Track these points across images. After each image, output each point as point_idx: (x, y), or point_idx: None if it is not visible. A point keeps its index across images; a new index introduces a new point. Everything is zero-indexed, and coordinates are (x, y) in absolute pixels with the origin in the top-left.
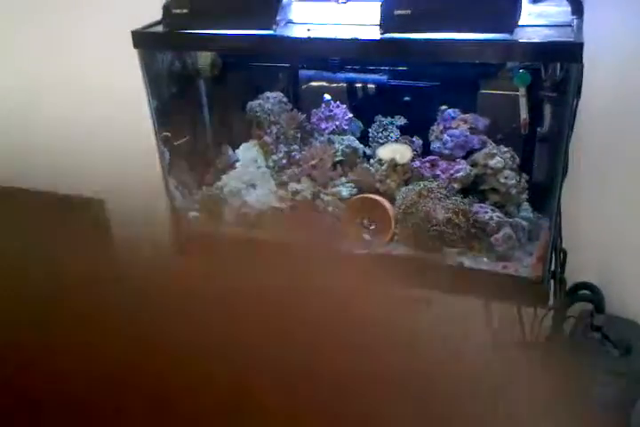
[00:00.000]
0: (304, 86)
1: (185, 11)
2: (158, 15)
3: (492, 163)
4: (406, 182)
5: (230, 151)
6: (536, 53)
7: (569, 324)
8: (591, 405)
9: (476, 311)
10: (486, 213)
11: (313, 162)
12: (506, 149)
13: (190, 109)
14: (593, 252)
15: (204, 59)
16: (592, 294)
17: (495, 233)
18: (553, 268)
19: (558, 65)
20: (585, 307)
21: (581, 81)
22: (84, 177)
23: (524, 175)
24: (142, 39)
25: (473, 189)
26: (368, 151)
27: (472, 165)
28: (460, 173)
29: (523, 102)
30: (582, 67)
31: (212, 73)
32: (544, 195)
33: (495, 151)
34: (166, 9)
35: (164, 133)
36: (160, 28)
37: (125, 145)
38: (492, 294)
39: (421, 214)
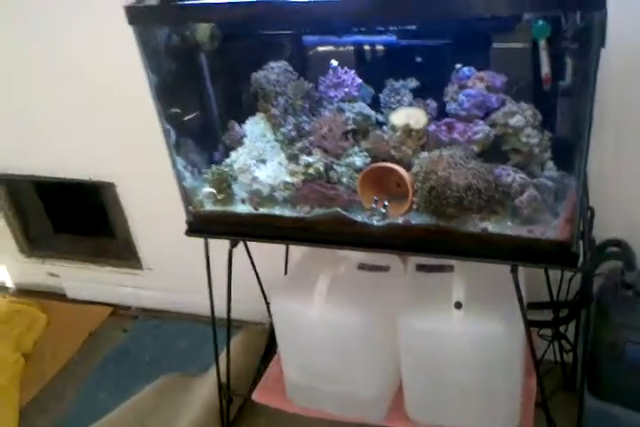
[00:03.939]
0: (309, 53)
1: None
2: None
3: (512, 122)
4: (423, 148)
5: (237, 126)
6: (555, 2)
7: (598, 282)
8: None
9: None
10: (509, 175)
11: (322, 132)
12: (527, 107)
13: (193, 86)
14: (620, 207)
15: (203, 31)
16: (622, 251)
17: (519, 195)
18: (581, 228)
19: (579, 13)
20: (615, 265)
21: (605, 29)
22: (92, 162)
23: (547, 133)
24: (137, 14)
25: (493, 150)
26: (380, 118)
27: (491, 126)
28: (479, 135)
29: (544, 55)
30: (606, 14)
31: (212, 46)
32: (569, 152)
33: (515, 109)
34: None
35: (170, 111)
36: (154, 2)
37: (130, 126)
38: (518, 258)
39: (441, 181)
